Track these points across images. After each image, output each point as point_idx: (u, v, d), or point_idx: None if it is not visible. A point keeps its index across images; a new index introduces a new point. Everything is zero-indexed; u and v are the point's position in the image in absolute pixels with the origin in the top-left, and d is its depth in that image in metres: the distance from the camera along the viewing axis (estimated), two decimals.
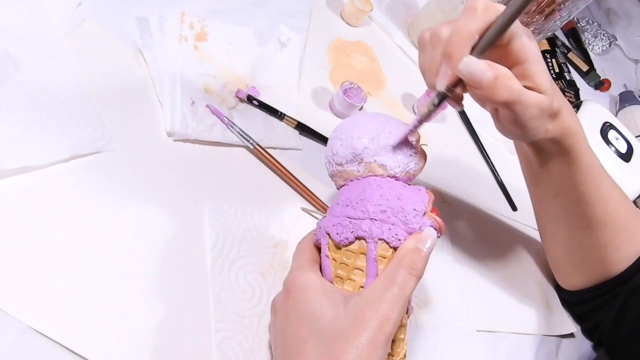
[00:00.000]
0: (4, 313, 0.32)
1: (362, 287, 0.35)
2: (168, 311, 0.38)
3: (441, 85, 0.34)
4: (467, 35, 0.32)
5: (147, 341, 0.36)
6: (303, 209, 0.46)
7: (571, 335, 0.58)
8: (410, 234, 0.35)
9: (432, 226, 0.35)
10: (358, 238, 0.35)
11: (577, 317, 0.59)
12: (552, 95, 0.37)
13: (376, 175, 0.37)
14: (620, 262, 0.51)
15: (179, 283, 0.39)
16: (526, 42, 0.35)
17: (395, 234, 0.34)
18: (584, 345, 0.59)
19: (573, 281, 0.57)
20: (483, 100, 0.38)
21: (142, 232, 0.40)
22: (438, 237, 0.35)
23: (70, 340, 0.33)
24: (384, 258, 0.35)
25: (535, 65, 0.36)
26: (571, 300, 0.58)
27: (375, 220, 0.35)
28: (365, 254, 0.35)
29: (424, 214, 0.35)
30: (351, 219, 0.35)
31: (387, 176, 0.37)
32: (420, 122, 0.37)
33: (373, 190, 0.36)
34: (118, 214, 0.40)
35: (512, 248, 0.61)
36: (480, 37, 0.32)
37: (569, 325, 0.58)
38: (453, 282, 0.53)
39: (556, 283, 0.60)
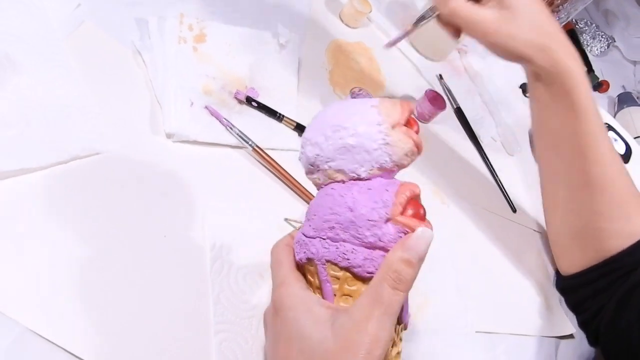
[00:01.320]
0: (2, 315, 0.32)
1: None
2: (168, 312, 0.38)
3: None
4: None
5: (147, 342, 0.36)
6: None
7: (570, 336, 0.58)
8: (369, 248, 0.31)
9: (400, 233, 0.31)
10: (309, 259, 0.33)
11: (574, 308, 0.58)
12: (513, 19, 0.44)
13: (337, 182, 0.33)
14: (617, 237, 0.51)
15: (178, 284, 0.39)
16: None
17: (344, 253, 0.31)
18: (583, 346, 0.59)
19: (570, 260, 0.56)
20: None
21: (141, 233, 0.40)
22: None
23: (69, 342, 0.33)
24: (337, 279, 0.33)
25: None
26: (568, 287, 0.58)
27: (324, 239, 0.32)
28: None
29: (387, 221, 0.31)
30: (306, 237, 0.33)
31: (351, 180, 0.33)
32: (397, 40, 0.38)
33: (325, 203, 0.33)
34: (117, 216, 0.40)
35: (511, 249, 0.61)
36: None
37: (568, 326, 0.58)
38: (452, 284, 0.53)
39: (555, 278, 0.60)
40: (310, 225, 0.33)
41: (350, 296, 0.33)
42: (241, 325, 0.40)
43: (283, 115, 0.53)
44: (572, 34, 1.07)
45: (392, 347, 0.32)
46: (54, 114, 0.41)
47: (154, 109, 0.47)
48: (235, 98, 0.52)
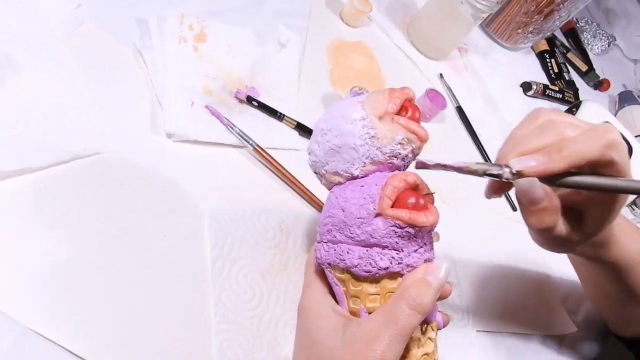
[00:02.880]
0: (3, 315, 0.32)
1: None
2: (168, 312, 0.38)
3: (516, 164, 0.31)
4: (577, 157, 0.30)
5: (148, 342, 0.36)
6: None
7: (572, 334, 0.58)
8: (364, 246, 0.31)
9: (393, 227, 0.30)
10: (319, 264, 0.34)
11: None
12: (593, 236, 0.36)
13: (336, 184, 0.34)
14: None
15: (179, 284, 0.39)
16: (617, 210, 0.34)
17: (340, 254, 0.32)
18: (584, 344, 0.59)
19: (625, 332, 0.56)
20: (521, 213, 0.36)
21: (142, 233, 0.40)
22: (407, 231, 0.30)
23: (70, 341, 0.33)
24: (342, 281, 0.33)
25: (595, 216, 0.35)
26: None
27: (325, 242, 0.33)
28: None
29: (377, 216, 0.30)
30: (317, 242, 0.34)
31: (348, 180, 0.33)
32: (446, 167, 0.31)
33: (325, 207, 0.33)
34: (117, 215, 0.40)
35: (512, 248, 0.61)
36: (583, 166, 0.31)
37: (570, 325, 0.58)
38: (453, 283, 0.53)
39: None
40: (318, 231, 0.34)
41: (358, 297, 0.33)
42: (242, 325, 0.40)
43: (284, 115, 0.53)
44: (573, 32, 1.07)
45: (418, 347, 0.32)
46: (54, 113, 0.41)
47: (154, 109, 0.47)
48: (236, 97, 0.52)
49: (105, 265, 0.37)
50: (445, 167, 0.31)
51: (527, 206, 0.33)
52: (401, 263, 0.31)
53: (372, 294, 0.32)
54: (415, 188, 0.32)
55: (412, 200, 0.31)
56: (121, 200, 0.40)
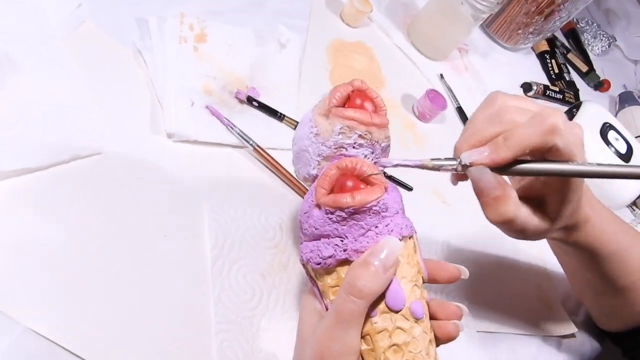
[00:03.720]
0: (3, 314, 0.32)
1: None
2: (168, 312, 0.38)
3: (466, 158, 0.32)
4: (521, 145, 0.31)
5: (148, 342, 0.36)
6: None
7: (572, 335, 0.58)
8: (315, 239, 0.32)
9: (327, 214, 0.30)
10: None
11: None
12: (559, 220, 0.36)
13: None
14: None
15: (179, 284, 0.39)
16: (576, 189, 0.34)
17: (301, 252, 0.33)
18: (584, 346, 0.59)
19: (608, 326, 0.57)
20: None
21: (142, 233, 0.40)
22: (341, 214, 0.30)
23: (69, 341, 0.33)
24: (315, 278, 0.34)
25: (554, 201, 0.35)
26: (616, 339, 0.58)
27: (301, 244, 0.34)
28: None
29: (315, 206, 0.31)
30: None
31: (313, 181, 0.34)
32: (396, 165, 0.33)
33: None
34: (118, 215, 0.40)
35: (513, 249, 0.61)
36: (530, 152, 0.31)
37: (570, 325, 0.58)
38: (453, 283, 0.53)
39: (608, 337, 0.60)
40: None
41: (324, 292, 0.33)
42: (242, 325, 0.40)
43: (284, 115, 0.53)
44: (573, 33, 1.07)
45: (384, 338, 0.30)
46: (54, 113, 0.41)
47: (154, 109, 0.47)
48: (236, 98, 0.52)
49: (105, 265, 0.37)
50: (403, 165, 0.32)
51: (480, 196, 0.33)
52: (346, 249, 0.31)
53: (333, 286, 0.32)
54: (353, 171, 0.32)
55: (349, 183, 0.31)
56: (121, 200, 0.40)
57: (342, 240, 0.31)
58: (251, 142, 0.49)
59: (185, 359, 0.37)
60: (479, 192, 0.33)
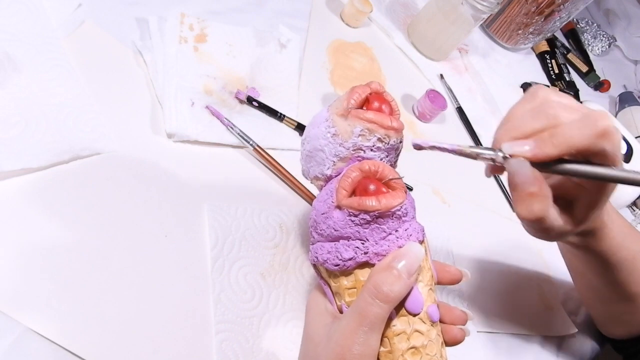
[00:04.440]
0: (3, 315, 0.32)
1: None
2: (168, 312, 0.38)
3: (508, 149, 0.31)
4: (568, 144, 0.30)
5: (147, 343, 0.36)
6: None
7: (572, 336, 0.58)
8: (333, 240, 0.32)
9: (349, 216, 0.30)
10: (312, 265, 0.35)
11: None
12: (583, 224, 0.35)
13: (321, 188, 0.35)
14: None
15: (179, 284, 0.39)
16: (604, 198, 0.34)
17: (315, 253, 0.33)
18: (584, 345, 0.59)
19: (612, 333, 0.57)
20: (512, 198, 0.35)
21: (142, 233, 0.40)
22: (365, 217, 0.30)
23: (70, 341, 0.33)
24: (327, 279, 0.34)
25: (584, 204, 0.34)
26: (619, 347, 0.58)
27: (311, 244, 0.34)
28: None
29: (336, 208, 0.31)
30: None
31: (326, 181, 0.34)
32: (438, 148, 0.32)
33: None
34: (118, 215, 0.40)
35: (513, 249, 0.61)
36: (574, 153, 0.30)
37: (570, 325, 0.58)
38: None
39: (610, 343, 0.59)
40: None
41: (338, 293, 0.33)
42: (242, 325, 0.40)
43: (284, 115, 0.53)
44: (573, 33, 1.07)
45: (403, 341, 0.31)
46: (55, 113, 0.41)
47: (154, 109, 0.47)
48: (236, 98, 0.52)
49: (105, 265, 0.37)
50: (439, 149, 0.31)
51: (514, 190, 0.32)
52: (367, 252, 0.31)
53: (349, 288, 0.32)
54: (375, 174, 0.32)
55: (372, 187, 0.31)
56: (121, 200, 0.40)
57: (363, 243, 0.31)
58: (251, 142, 0.49)
59: (185, 359, 0.37)
60: (515, 186, 0.32)
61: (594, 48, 1.10)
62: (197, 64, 0.51)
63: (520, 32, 0.87)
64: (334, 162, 0.33)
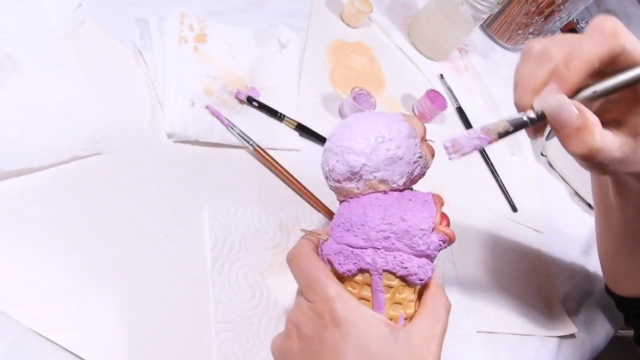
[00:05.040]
0: (3, 314, 0.32)
1: None
2: (168, 312, 0.38)
3: (539, 104, 0.31)
4: (587, 60, 0.29)
5: (147, 343, 0.36)
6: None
7: (572, 336, 0.58)
8: (418, 256, 0.33)
9: (441, 241, 0.34)
10: (361, 270, 0.33)
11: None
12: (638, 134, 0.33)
13: (378, 192, 0.35)
14: None
15: (179, 284, 0.39)
16: None
17: (401, 262, 0.33)
18: (584, 346, 0.59)
19: (623, 289, 0.55)
20: (560, 141, 0.33)
21: (142, 233, 0.40)
22: (445, 247, 0.34)
23: (70, 341, 0.33)
24: (390, 288, 0.33)
25: (632, 119, 0.32)
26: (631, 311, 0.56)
27: (379, 249, 0.33)
28: (370, 285, 0.33)
29: (433, 230, 0.34)
30: (353, 247, 0.33)
31: (391, 190, 0.35)
32: (490, 141, 0.32)
33: (374, 213, 0.33)
34: (118, 215, 0.40)
35: (513, 249, 0.61)
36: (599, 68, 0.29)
37: (570, 326, 0.58)
38: (453, 283, 0.53)
39: (614, 300, 0.58)
40: (356, 235, 0.33)
41: (400, 304, 0.34)
42: (242, 325, 0.40)
43: (284, 115, 0.53)
44: (573, 33, 1.07)
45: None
46: (55, 113, 0.41)
47: (154, 109, 0.47)
48: (236, 98, 0.52)
49: (105, 265, 0.37)
50: (477, 148, 0.33)
51: (561, 130, 0.30)
52: (432, 275, 0.35)
53: (411, 301, 0.34)
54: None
55: (445, 220, 0.35)
56: (121, 200, 0.41)
57: (432, 264, 0.35)
58: (251, 142, 0.49)
59: (185, 358, 0.37)
60: (560, 125, 0.30)
61: None
62: (197, 64, 0.51)
63: (520, 32, 0.87)
64: (408, 178, 0.35)
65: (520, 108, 0.32)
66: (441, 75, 0.75)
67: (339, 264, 0.33)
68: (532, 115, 0.31)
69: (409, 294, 0.34)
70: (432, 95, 0.65)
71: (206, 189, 0.45)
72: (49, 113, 0.40)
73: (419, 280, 0.33)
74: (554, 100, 0.30)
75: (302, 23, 0.64)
